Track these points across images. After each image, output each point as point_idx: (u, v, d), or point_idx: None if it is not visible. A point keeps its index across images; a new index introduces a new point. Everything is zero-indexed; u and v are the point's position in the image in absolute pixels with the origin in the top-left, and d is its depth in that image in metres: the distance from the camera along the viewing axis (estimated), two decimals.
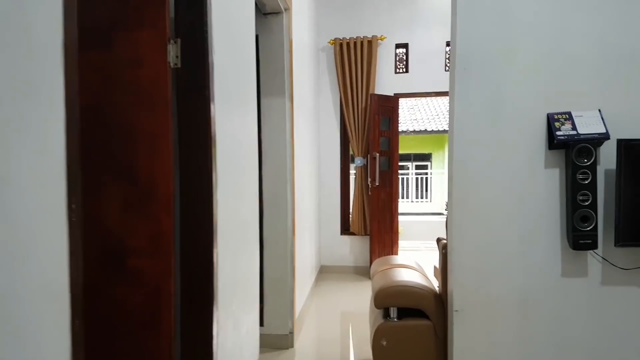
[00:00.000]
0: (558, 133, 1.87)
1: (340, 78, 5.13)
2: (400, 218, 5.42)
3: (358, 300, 4.24)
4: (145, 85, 1.47)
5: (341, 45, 5.11)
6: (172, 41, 1.50)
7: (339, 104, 5.30)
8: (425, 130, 13.46)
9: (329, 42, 5.17)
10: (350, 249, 5.39)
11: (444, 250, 2.17)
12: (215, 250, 1.65)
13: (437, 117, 13.99)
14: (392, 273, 2.48)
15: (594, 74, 1.91)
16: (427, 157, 15.45)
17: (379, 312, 2.35)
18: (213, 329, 1.65)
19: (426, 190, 13.15)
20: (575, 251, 1.88)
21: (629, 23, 1.89)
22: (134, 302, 1.49)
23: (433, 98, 15.03)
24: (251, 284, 2.23)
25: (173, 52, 1.50)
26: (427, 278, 2.55)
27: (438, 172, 13.61)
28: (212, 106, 1.64)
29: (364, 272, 5.21)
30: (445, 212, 11.38)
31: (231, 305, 1.88)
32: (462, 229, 2.00)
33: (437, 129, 13.44)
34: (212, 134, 1.65)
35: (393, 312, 2.28)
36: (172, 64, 1.50)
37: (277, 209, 3.10)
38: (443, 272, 2.22)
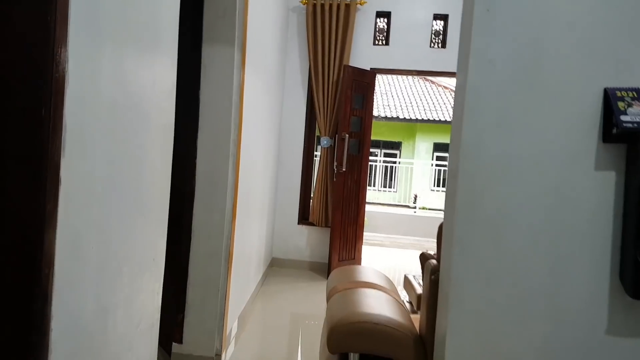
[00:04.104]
0: (623, 118, 1.23)
1: (311, 44, 4.38)
2: (365, 207, 4.77)
3: (312, 306, 3.59)
4: None
5: (314, 5, 4.34)
6: None
7: (307, 74, 4.56)
8: (397, 118, 13.04)
9: (301, 1, 4.40)
10: (307, 241, 4.71)
11: (433, 277, 1.52)
12: (52, 249, 0.93)
13: (411, 105, 13.49)
14: (356, 297, 1.80)
15: None
16: (397, 145, 14.94)
17: (332, 356, 1.69)
18: None
19: (392, 180, 12.64)
20: (633, 300, 1.26)
21: None
22: None
23: (409, 84, 14.49)
24: (148, 304, 1.50)
25: None
26: (404, 306, 1.90)
27: (406, 163, 13.10)
28: (58, 27, 0.89)
29: (320, 270, 4.56)
30: (413, 206, 10.91)
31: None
32: (466, 249, 1.35)
33: (409, 117, 13.03)
34: (61, 77, 0.91)
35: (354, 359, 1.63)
36: None
37: (214, 190, 2.37)
38: (429, 306, 1.57)
